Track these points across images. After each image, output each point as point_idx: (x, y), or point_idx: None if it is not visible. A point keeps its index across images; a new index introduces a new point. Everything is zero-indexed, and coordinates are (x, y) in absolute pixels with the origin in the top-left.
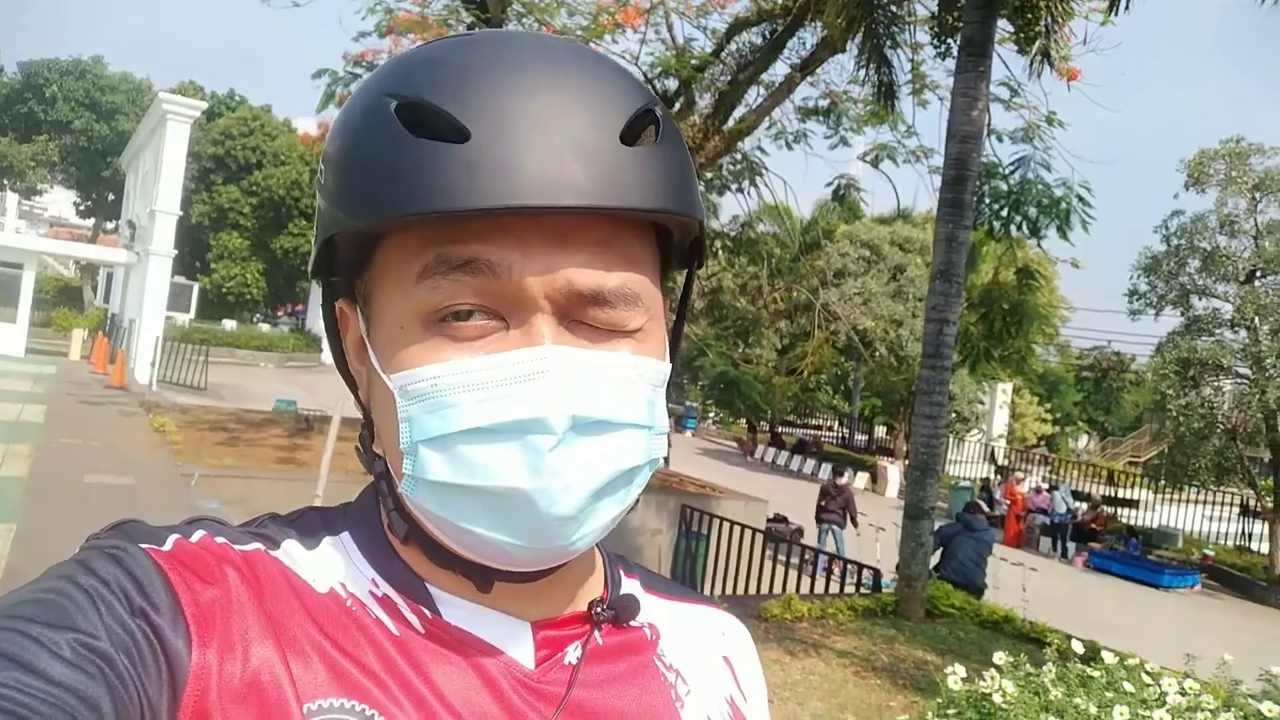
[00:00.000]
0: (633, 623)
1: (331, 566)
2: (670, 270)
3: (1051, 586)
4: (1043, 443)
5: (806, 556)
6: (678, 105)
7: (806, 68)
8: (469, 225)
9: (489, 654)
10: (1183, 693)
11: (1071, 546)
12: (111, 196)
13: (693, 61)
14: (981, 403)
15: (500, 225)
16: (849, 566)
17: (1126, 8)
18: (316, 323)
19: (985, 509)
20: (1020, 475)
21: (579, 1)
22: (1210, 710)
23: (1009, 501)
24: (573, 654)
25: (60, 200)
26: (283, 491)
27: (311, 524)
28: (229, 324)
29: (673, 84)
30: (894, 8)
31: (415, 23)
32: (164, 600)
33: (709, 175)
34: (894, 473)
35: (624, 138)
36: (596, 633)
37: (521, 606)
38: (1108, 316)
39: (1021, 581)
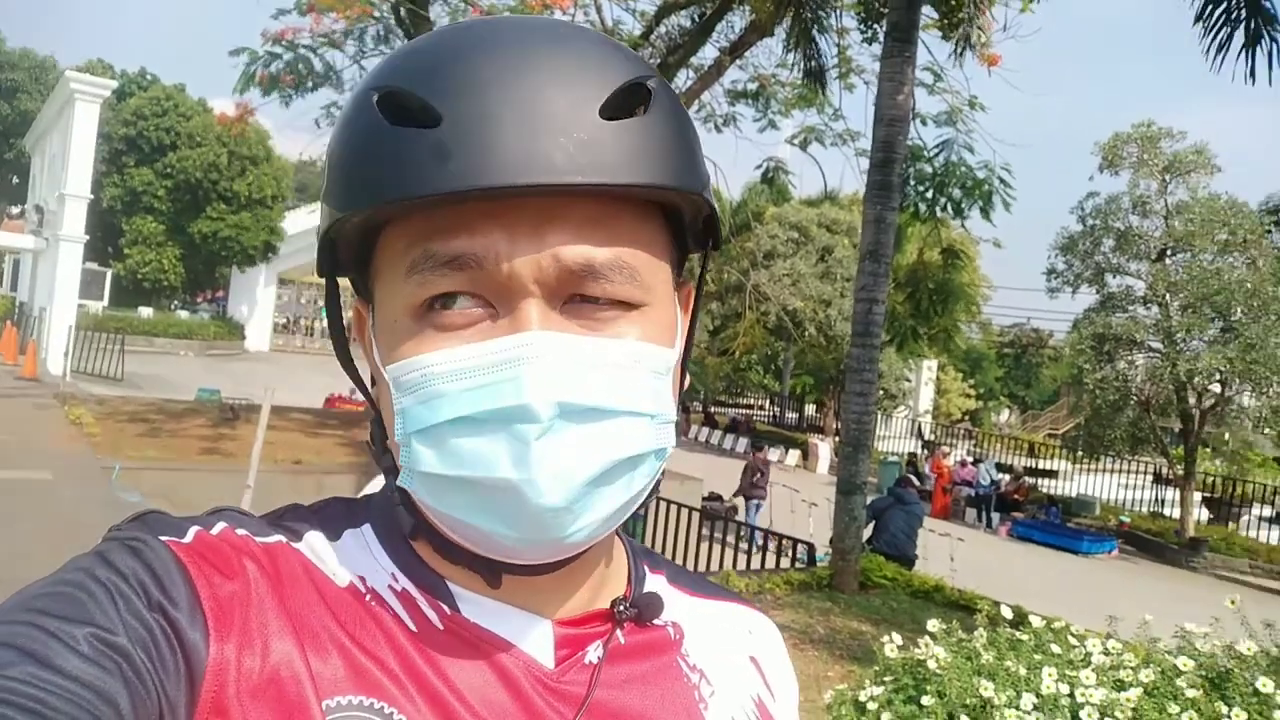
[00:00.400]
0: (656, 621)
1: (352, 560)
2: (687, 253)
3: (978, 556)
4: (967, 417)
5: (742, 533)
6: None
7: (735, 51)
8: (453, 213)
9: (508, 652)
10: (1106, 653)
11: (995, 517)
12: (15, 179)
13: (623, 44)
14: (908, 380)
15: (483, 210)
16: (784, 542)
17: None
18: (238, 309)
19: (915, 483)
20: (946, 450)
21: None
22: (1132, 668)
23: (936, 475)
24: (593, 653)
25: None
26: (209, 483)
27: (335, 515)
28: (145, 311)
29: None
30: None
31: (337, 1)
32: (182, 594)
33: None
34: (824, 449)
35: (604, 112)
36: (619, 631)
37: (541, 603)
38: (1027, 295)
39: (949, 552)
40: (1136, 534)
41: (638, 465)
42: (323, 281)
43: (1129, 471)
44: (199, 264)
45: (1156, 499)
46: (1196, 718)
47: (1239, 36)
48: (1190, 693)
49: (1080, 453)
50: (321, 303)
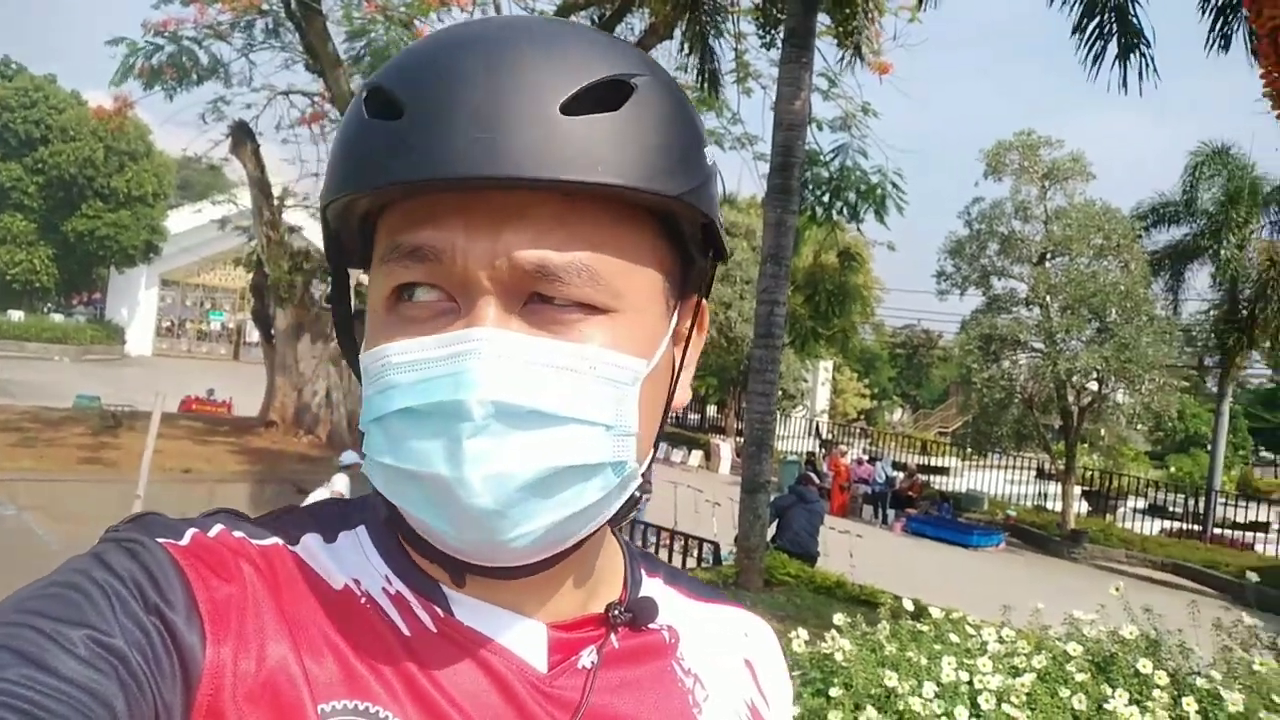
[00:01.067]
0: (651, 625)
1: (347, 562)
2: (692, 263)
3: (875, 551)
4: (862, 416)
5: (648, 535)
6: None
7: None
8: (421, 206)
9: (501, 655)
10: (1001, 641)
11: (891, 513)
12: None
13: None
14: (805, 380)
15: (449, 204)
16: (689, 541)
17: (935, 5)
18: (117, 311)
19: (815, 481)
20: (844, 449)
21: None
22: (1025, 655)
23: (834, 473)
24: (587, 658)
25: None
26: (92, 494)
27: (330, 518)
28: (15, 315)
29: None
30: None
31: None
32: (179, 597)
33: None
34: (726, 450)
35: (569, 107)
36: (613, 636)
37: (534, 606)
38: (917, 296)
39: (849, 548)
40: (1022, 527)
41: (589, 476)
42: (207, 282)
43: (1014, 467)
44: (74, 264)
45: (1040, 493)
46: (1085, 699)
47: (1112, 48)
48: (1079, 676)
49: (969, 450)
50: (209, 305)
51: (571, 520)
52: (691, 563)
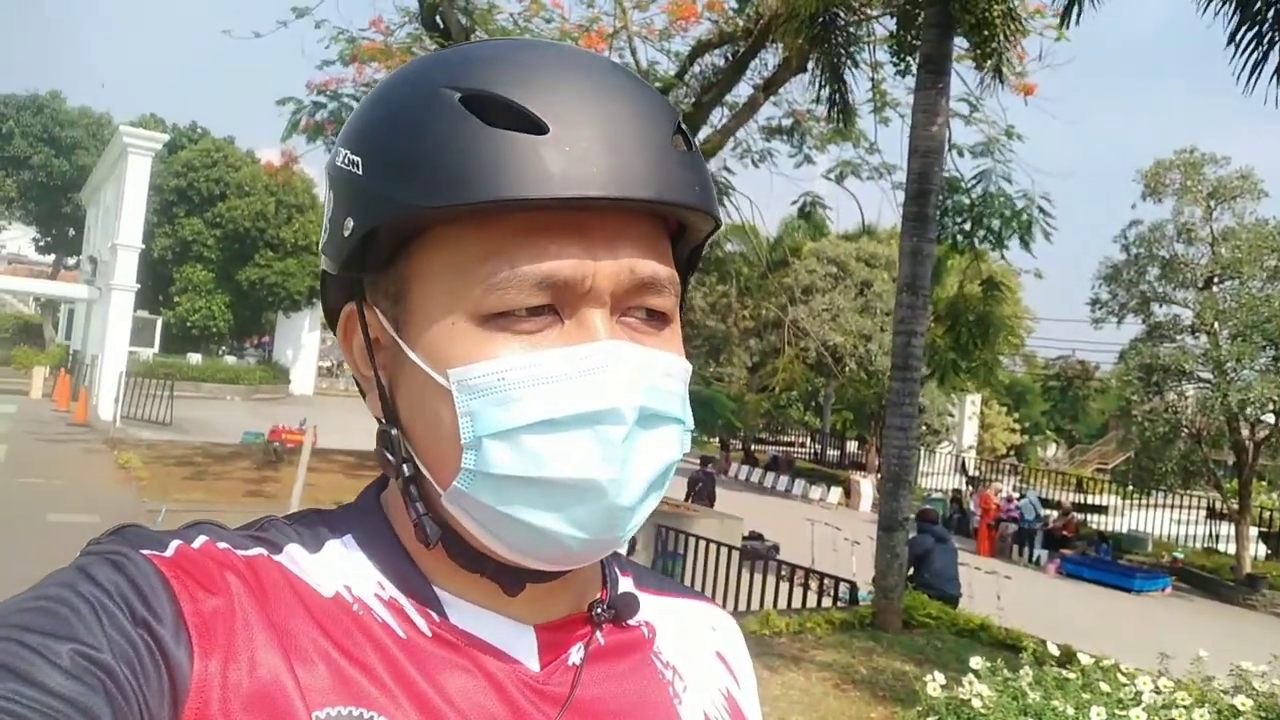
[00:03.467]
0: (631, 621)
1: (336, 569)
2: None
3: (1026, 593)
4: (1012, 452)
5: (783, 573)
6: None
7: (769, 88)
8: (532, 224)
9: (495, 657)
10: (1157, 691)
11: (1044, 554)
12: (72, 232)
13: (657, 84)
14: (951, 414)
15: (562, 222)
16: (825, 580)
17: (1077, 22)
18: (283, 353)
19: (936, 516)
20: (998, 487)
21: (543, 28)
22: (1185, 706)
23: (982, 511)
24: (575, 655)
25: (19, 237)
26: None
27: (314, 526)
28: (194, 358)
29: None
30: (851, 29)
31: (379, 51)
32: (166, 610)
33: None
34: (867, 486)
35: (674, 141)
36: (598, 633)
37: (526, 609)
38: (1071, 326)
39: (996, 590)
40: (1191, 570)
41: (674, 470)
42: None
43: (1181, 506)
44: (246, 310)
45: (1211, 534)
46: None
47: (1273, 58)
48: None
49: (1130, 487)
50: None
51: (653, 509)
52: (827, 602)
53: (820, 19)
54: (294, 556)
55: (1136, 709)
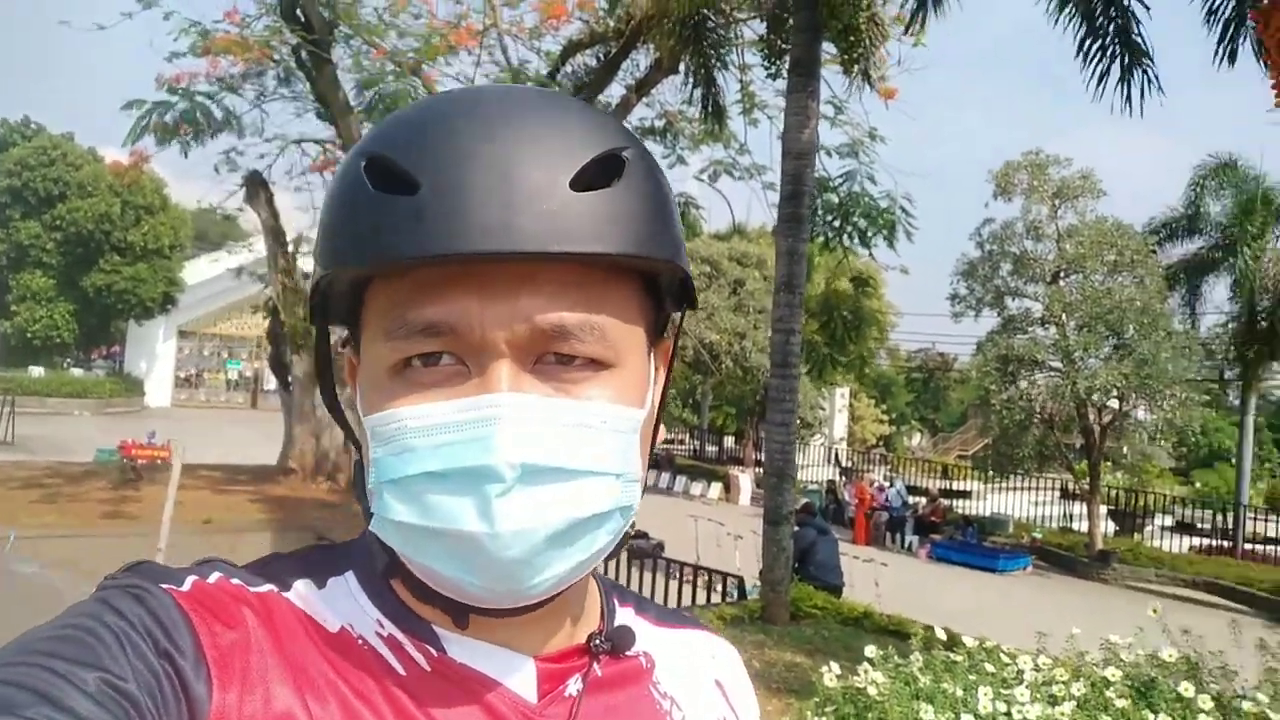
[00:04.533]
0: (629, 652)
1: (339, 607)
2: (666, 313)
3: (901, 579)
4: (881, 442)
5: (671, 571)
6: None
7: (641, 88)
8: (428, 277)
9: (494, 689)
10: (1037, 669)
11: (915, 539)
12: None
13: (528, 83)
14: (822, 408)
15: (458, 275)
16: (713, 576)
17: (922, 28)
18: (136, 364)
19: (815, 509)
20: (873, 478)
21: (410, 24)
22: (1063, 682)
23: (858, 501)
24: (573, 686)
25: None
26: (116, 549)
27: (317, 564)
28: (36, 370)
29: None
30: (721, 31)
31: (235, 43)
32: (187, 642)
33: None
34: (746, 481)
35: (575, 183)
36: (595, 664)
37: (523, 641)
38: (930, 320)
39: (874, 577)
40: (1049, 549)
41: (602, 523)
42: (224, 332)
43: (1037, 489)
44: (92, 319)
45: (1065, 514)
46: None
47: (1116, 69)
48: (1119, 703)
49: (990, 472)
50: (225, 355)
51: (585, 563)
52: (716, 598)
53: (691, 21)
54: (301, 593)
55: (1019, 687)
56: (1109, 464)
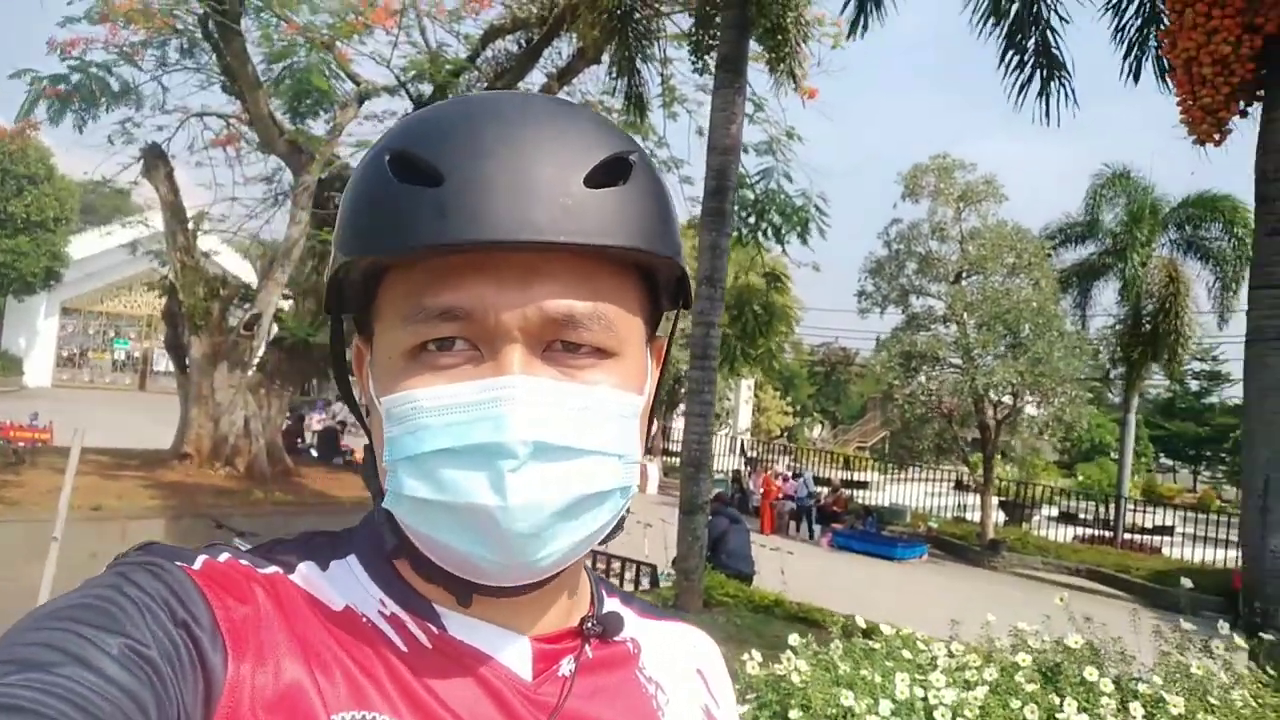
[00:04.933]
0: (617, 638)
1: (342, 588)
2: (662, 311)
3: (805, 567)
4: (785, 434)
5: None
6: None
7: (564, 77)
8: (447, 266)
9: (491, 666)
10: (950, 655)
11: (817, 529)
12: None
13: (447, 66)
14: (729, 399)
15: (475, 264)
16: (625, 565)
17: (863, 34)
18: (14, 342)
19: (728, 499)
20: (780, 470)
21: (325, 1)
22: (975, 667)
23: (764, 492)
24: (566, 666)
25: None
26: None
27: (319, 548)
28: None
29: (428, 89)
30: (647, 23)
31: (136, 11)
32: (204, 615)
33: None
34: (654, 470)
35: (588, 181)
36: (587, 646)
37: (519, 621)
38: (833, 315)
39: (780, 565)
40: (943, 538)
41: (604, 501)
42: (111, 310)
43: (932, 480)
44: None
45: (959, 504)
46: (1037, 710)
47: (1035, 82)
48: (1029, 687)
49: (889, 464)
50: (113, 334)
51: (587, 540)
52: (629, 586)
53: (618, 11)
54: (305, 575)
55: (935, 673)
56: (1000, 457)
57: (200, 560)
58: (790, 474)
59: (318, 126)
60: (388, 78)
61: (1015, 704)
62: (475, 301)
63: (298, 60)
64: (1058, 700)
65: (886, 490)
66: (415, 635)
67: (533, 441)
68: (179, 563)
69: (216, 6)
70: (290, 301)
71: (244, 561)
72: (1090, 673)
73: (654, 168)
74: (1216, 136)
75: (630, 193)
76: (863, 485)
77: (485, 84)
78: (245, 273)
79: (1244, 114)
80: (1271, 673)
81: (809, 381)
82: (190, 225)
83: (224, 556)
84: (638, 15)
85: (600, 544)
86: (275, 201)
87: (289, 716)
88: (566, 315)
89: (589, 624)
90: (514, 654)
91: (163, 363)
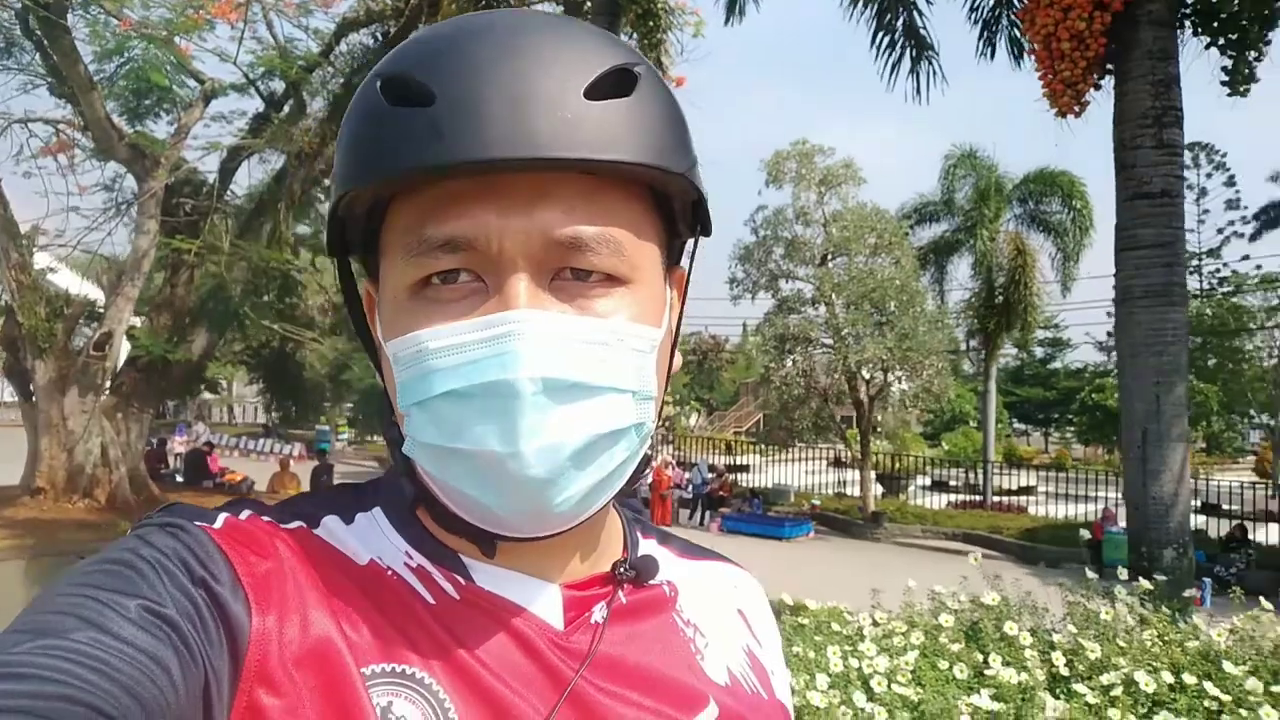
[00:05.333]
0: (652, 581)
1: (368, 541)
2: (680, 238)
3: None
4: (665, 423)
5: None
6: (287, 108)
7: None
8: (446, 192)
9: (521, 616)
10: (875, 624)
11: (707, 514)
12: None
13: (300, 62)
14: None
15: (476, 189)
16: None
17: (741, 18)
18: None
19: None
20: (668, 459)
21: None
22: (902, 633)
23: (656, 483)
24: (598, 613)
25: None
26: None
27: (344, 502)
28: None
29: (280, 86)
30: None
31: None
32: (223, 571)
33: (326, 181)
34: None
35: (590, 93)
36: (620, 592)
37: (548, 569)
38: (702, 303)
39: None
40: (827, 514)
41: (618, 439)
42: None
43: (811, 459)
44: None
45: (839, 480)
46: (965, 668)
47: (906, 62)
48: (954, 647)
49: (769, 446)
50: None
51: (604, 482)
52: None
53: (482, 2)
54: (330, 529)
55: (865, 642)
56: (877, 432)
57: (221, 518)
58: (676, 463)
59: (160, 129)
60: (235, 75)
61: (943, 664)
62: (477, 230)
63: (134, 57)
64: (981, 657)
65: (768, 472)
66: (443, 587)
67: (541, 378)
68: (198, 522)
69: (36, 2)
70: (143, 318)
71: (266, 518)
72: (1010, 627)
73: (663, 82)
74: (1076, 108)
75: (637, 105)
76: (744, 469)
77: (342, 80)
78: (88, 290)
79: (1098, 86)
80: (1166, 611)
81: (683, 370)
82: (24, 241)
83: (245, 514)
84: (498, 3)
85: (628, 485)
86: (118, 211)
87: (319, 669)
88: (573, 239)
89: (621, 568)
90: (544, 602)
91: (5, 391)
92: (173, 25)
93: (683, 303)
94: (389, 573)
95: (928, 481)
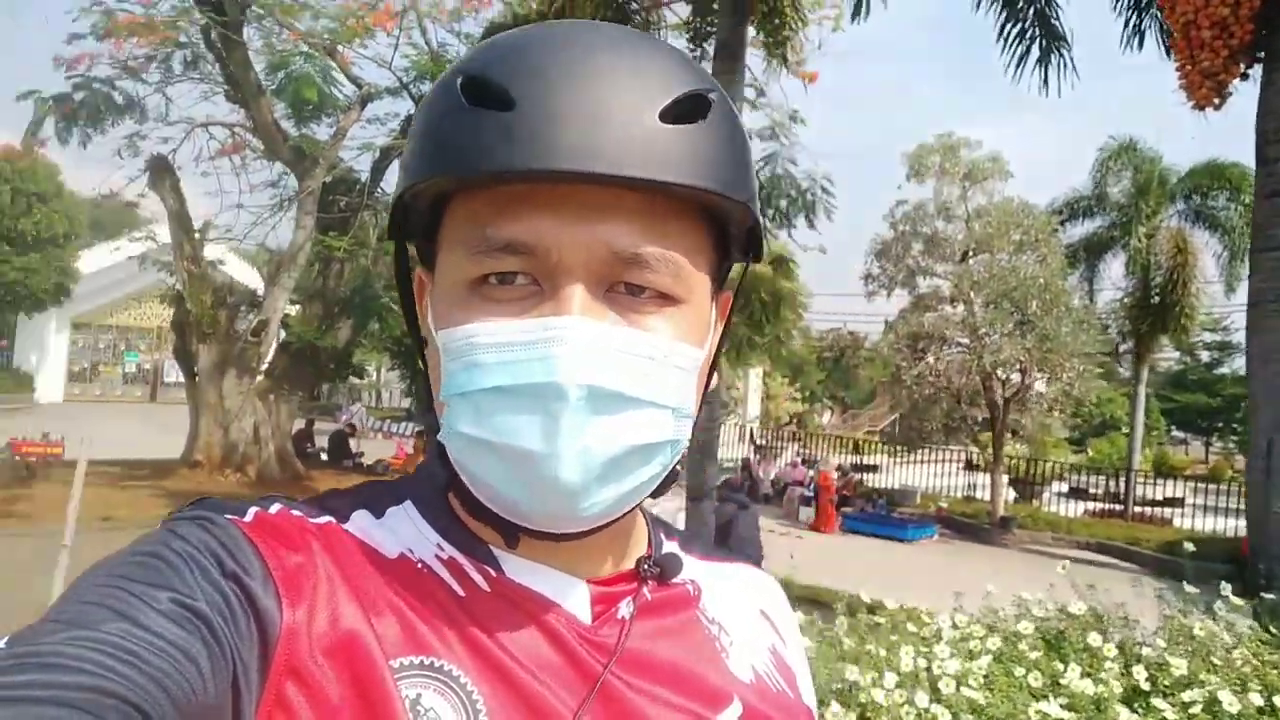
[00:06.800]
0: (676, 580)
1: (399, 533)
2: (730, 262)
3: (814, 550)
4: (794, 420)
5: None
6: None
7: None
8: (513, 194)
9: (550, 609)
10: (955, 627)
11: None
12: None
13: (449, 65)
14: (737, 388)
15: (542, 195)
16: None
17: (867, 16)
18: (26, 358)
19: (738, 484)
20: (791, 457)
21: (326, 4)
22: (979, 638)
23: (823, 487)
24: (625, 609)
25: None
26: (9, 549)
27: (375, 496)
28: None
29: None
30: (645, 14)
31: (140, 25)
32: (254, 565)
33: None
34: None
35: (664, 116)
36: (645, 589)
37: (577, 564)
38: (841, 300)
39: (788, 549)
40: (953, 518)
41: (654, 454)
42: (121, 322)
43: (941, 461)
44: None
45: (969, 484)
46: (1040, 676)
47: (1034, 53)
48: (1032, 655)
49: (899, 446)
50: (123, 347)
51: (633, 492)
52: None
53: (615, 3)
54: (360, 524)
55: (940, 644)
56: (1010, 435)
57: (251, 512)
58: (802, 460)
59: (321, 131)
60: (390, 80)
61: (1019, 671)
62: (539, 236)
63: (297, 67)
64: (1061, 667)
65: (896, 473)
66: (473, 579)
67: (586, 386)
68: (228, 516)
69: (217, 17)
70: (297, 306)
71: (296, 512)
72: (1094, 639)
73: (734, 110)
74: (1216, 101)
75: (707, 132)
76: (872, 469)
77: None
78: (252, 280)
79: (1244, 76)
80: (1274, 631)
81: (818, 368)
82: (197, 234)
83: (275, 508)
84: (635, 6)
85: (651, 497)
86: (280, 207)
87: (348, 662)
88: (633, 256)
89: (646, 565)
90: (572, 597)
91: (173, 374)
92: (336, 35)
93: (726, 324)
94: (419, 565)
95: (1066, 488)
